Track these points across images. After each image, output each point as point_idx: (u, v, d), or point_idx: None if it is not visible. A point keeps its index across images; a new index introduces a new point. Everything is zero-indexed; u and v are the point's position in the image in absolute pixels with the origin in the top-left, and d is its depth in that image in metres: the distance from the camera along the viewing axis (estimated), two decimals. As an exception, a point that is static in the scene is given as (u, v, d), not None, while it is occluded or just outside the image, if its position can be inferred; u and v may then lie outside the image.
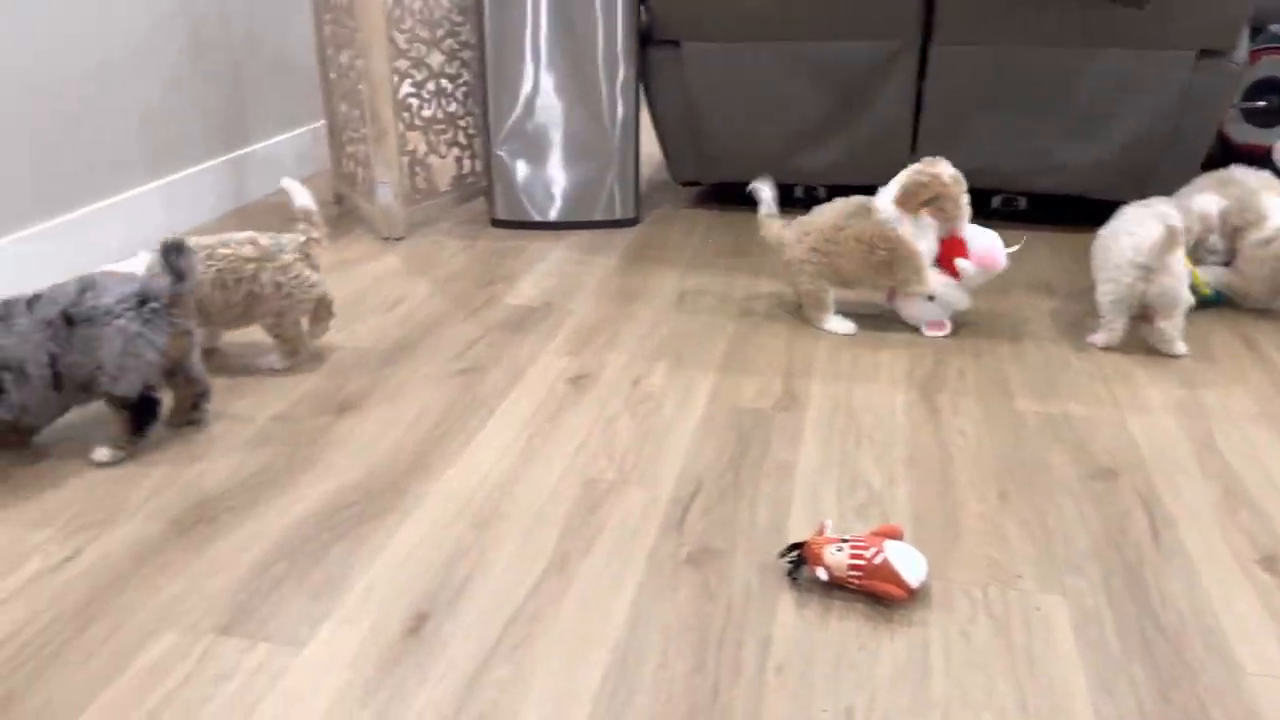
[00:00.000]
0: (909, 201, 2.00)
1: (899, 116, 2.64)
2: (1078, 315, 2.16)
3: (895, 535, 1.31)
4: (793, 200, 2.97)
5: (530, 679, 1.14)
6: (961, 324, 2.12)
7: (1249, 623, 1.23)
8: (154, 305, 1.54)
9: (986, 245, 2.03)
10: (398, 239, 2.66)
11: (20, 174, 2.18)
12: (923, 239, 2.02)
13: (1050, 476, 1.55)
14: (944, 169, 2.02)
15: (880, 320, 2.15)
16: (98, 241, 2.40)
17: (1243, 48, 2.47)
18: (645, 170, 3.38)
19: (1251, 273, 2.11)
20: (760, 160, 2.78)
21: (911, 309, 2.08)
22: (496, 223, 2.77)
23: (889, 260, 2.01)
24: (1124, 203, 2.69)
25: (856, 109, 2.65)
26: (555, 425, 1.71)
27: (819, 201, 2.99)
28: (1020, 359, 1.96)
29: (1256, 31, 2.92)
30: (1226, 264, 2.18)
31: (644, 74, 2.72)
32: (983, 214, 2.82)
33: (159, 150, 2.61)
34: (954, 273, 2.03)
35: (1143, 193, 2.62)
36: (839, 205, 2.10)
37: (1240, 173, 2.22)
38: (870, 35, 2.54)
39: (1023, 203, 2.80)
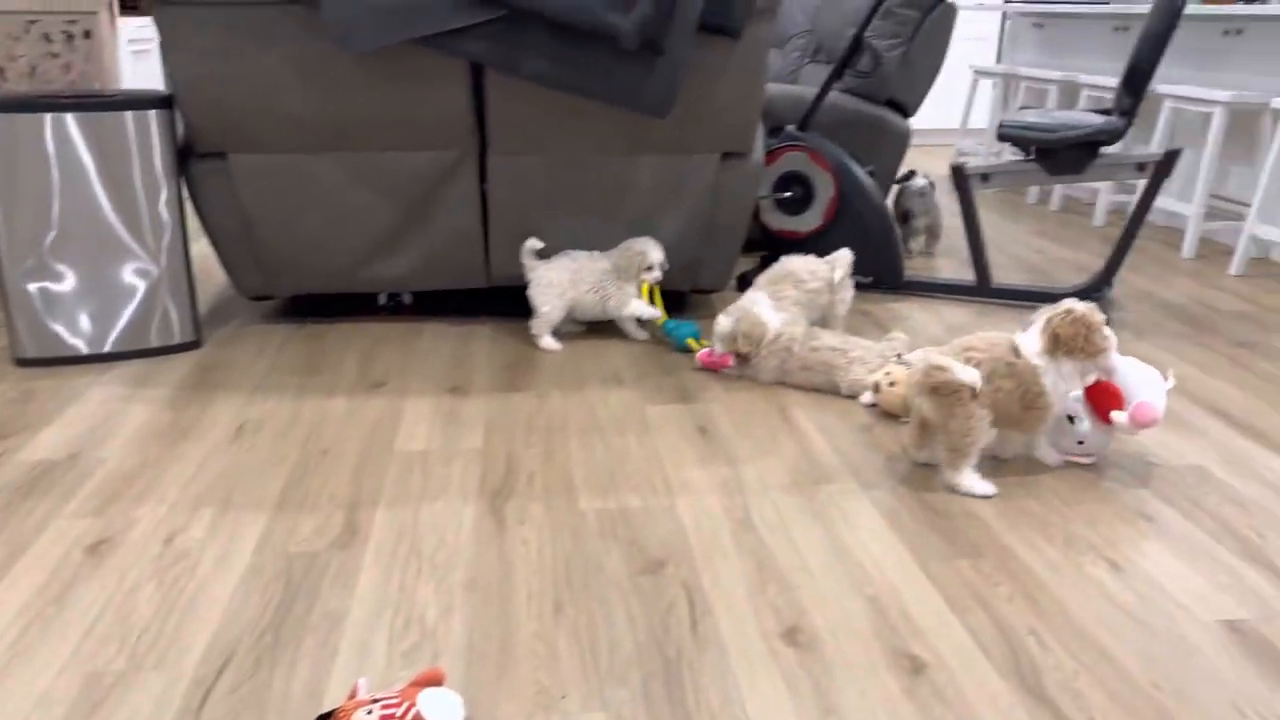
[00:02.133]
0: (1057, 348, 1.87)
1: (468, 222, 2.67)
2: (640, 402, 2.27)
3: (435, 681, 1.25)
4: (377, 308, 2.90)
5: None
6: (533, 426, 2.14)
7: (771, 702, 1.31)
8: None
9: (1148, 401, 1.87)
10: (-112, 391, 2.23)
11: None
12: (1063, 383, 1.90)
13: (604, 578, 1.58)
14: (1076, 305, 1.89)
15: (449, 427, 2.12)
16: None
17: (759, 149, 2.79)
18: (215, 287, 3.15)
19: (763, 364, 2.40)
20: (333, 270, 2.69)
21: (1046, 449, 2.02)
22: (22, 362, 2.42)
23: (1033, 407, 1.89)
24: (680, 292, 2.90)
25: (425, 217, 2.65)
26: (61, 608, 1.47)
27: (404, 308, 2.92)
28: (588, 454, 2.02)
29: (778, 130, 3.32)
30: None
31: (191, 188, 2.53)
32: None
33: None
34: (1107, 420, 1.93)
35: (694, 282, 2.86)
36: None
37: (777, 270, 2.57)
38: (427, 147, 2.56)
39: (598, 295, 2.94)
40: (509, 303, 2.94)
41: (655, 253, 2.60)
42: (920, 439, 1.96)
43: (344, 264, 2.68)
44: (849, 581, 1.59)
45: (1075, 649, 1.42)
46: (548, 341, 2.62)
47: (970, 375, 1.80)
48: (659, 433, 2.13)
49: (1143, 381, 1.92)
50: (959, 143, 5.35)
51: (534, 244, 2.60)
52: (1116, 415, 1.91)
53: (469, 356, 2.56)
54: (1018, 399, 1.87)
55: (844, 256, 2.61)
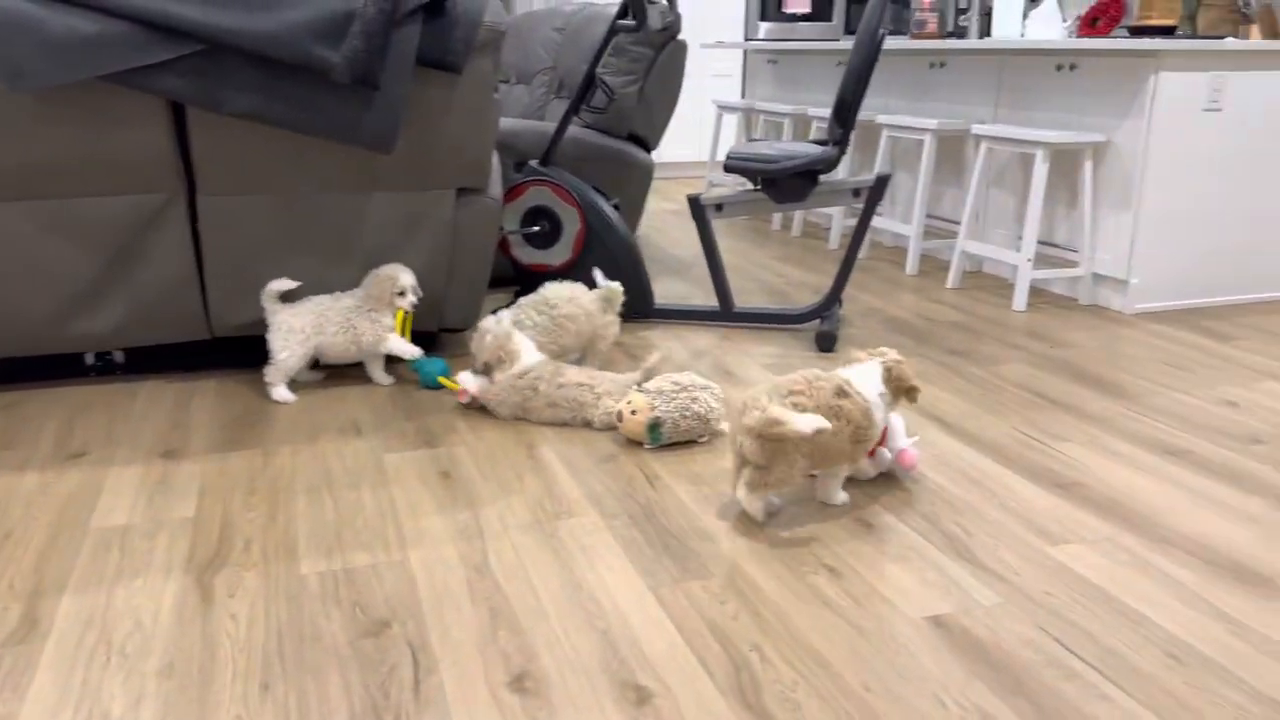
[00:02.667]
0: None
1: (181, 270, 2.47)
2: (378, 451, 2.17)
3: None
4: (85, 369, 2.63)
5: None
6: (254, 487, 2.00)
7: (492, 757, 1.25)
8: None
9: (909, 449, 2.08)
10: None
11: None
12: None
13: (321, 647, 1.48)
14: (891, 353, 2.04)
15: (156, 497, 1.94)
16: None
17: (496, 184, 2.76)
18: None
19: (504, 397, 2.35)
20: (26, 331, 2.41)
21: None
22: None
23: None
24: (429, 332, 2.82)
25: (130, 267, 2.43)
26: None
27: (118, 369, 2.69)
28: (315, 513, 1.89)
29: (521, 165, 3.31)
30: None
31: None
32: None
33: None
34: (873, 454, 2.06)
35: (441, 321, 2.78)
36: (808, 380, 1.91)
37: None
38: (126, 190, 2.35)
39: (338, 341, 2.80)
40: (239, 353, 2.75)
41: (406, 276, 2.51)
42: (756, 479, 1.85)
43: (39, 323, 2.41)
44: (583, 617, 1.56)
45: (794, 659, 1.45)
46: (281, 392, 2.46)
47: (806, 426, 1.76)
48: (397, 482, 2.03)
49: (898, 425, 2.08)
50: (710, 174, 5.58)
51: (280, 285, 2.44)
52: (884, 451, 2.04)
53: (188, 417, 2.36)
54: (848, 437, 1.87)
55: (615, 289, 2.64)
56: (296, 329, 2.44)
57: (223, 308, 2.53)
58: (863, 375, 1.96)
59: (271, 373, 2.46)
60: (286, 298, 2.48)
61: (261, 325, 2.49)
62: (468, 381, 2.40)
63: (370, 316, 2.49)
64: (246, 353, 2.75)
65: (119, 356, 2.63)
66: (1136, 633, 1.53)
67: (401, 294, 2.50)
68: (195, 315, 2.54)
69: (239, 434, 2.26)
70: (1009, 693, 1.38)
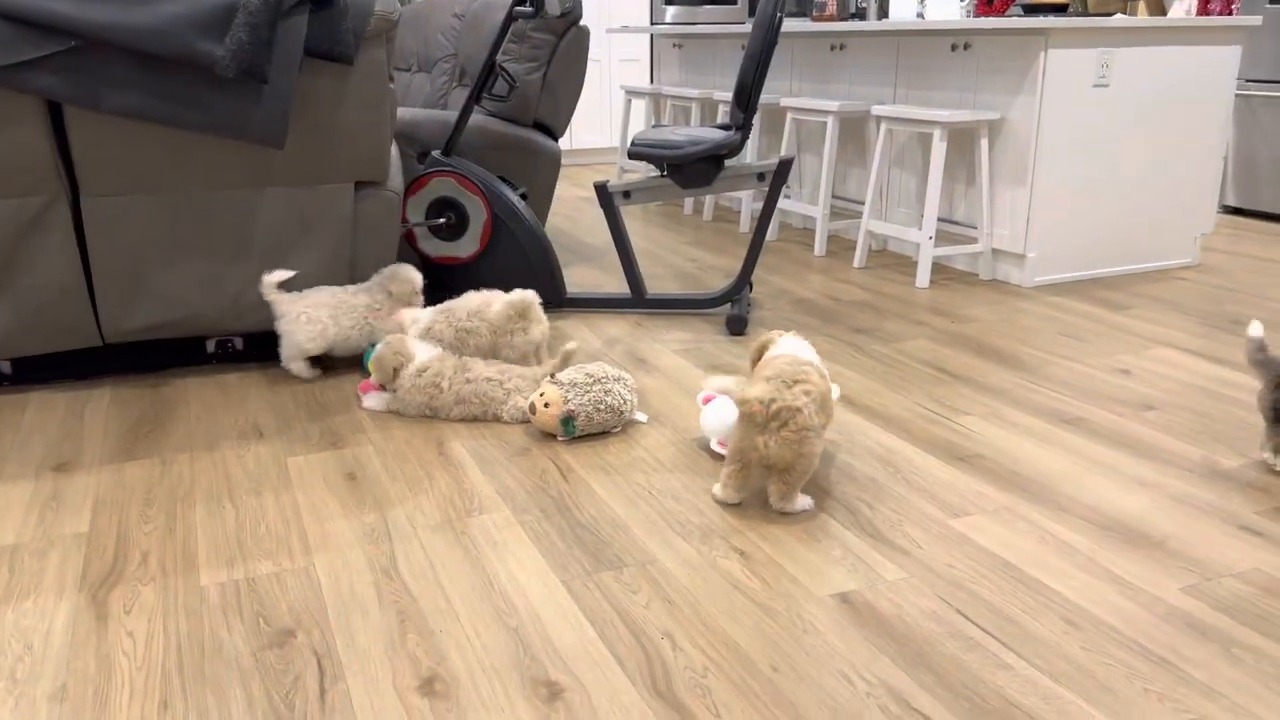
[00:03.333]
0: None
1: (67, 276, 2.37)
2: (281, 455, 2.12)
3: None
4: (-35, 382, 2.51)
5: None
6: (152, 498, 1.93)
7: (401, 763, 1.24)
8: None
9: None
10: None
11: None
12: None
13: (221, 661, 1.44)
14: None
15: (47, 513, 1.86)
16: None
17: (396, 176, 2.71)
18: None
19: (409, 398, 2.33)
20: (-104, 346, 2.29)
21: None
22: None
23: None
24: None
25: (13, 272, 2.32)
26: None
27: (4, 380, 2.60)
28: (215, 522, 1.84)
29: (424, 156, 3.26)
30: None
31: None
32: (201, 360, 2.68)
33: None
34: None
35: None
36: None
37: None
38: (7, 193, 2.24)
39: (239, 343, 2.72)
40: (133, 359, 2.65)
41: (419, 278, 2.63)
42: (742, 480, 1.87)
43: (-89, 336, 2.29)
44: (493, 615, 1.55)
45: (704, 644, 1.46)
46: (299, 367, 2.55)
47: (818, 409, 1.78)
48: (301, 487, 1.99)
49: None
50: (621, 160, 5.56)
51: (277, 276, 2.48)
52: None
53: (80, 428, 2.27)
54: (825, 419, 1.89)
55: (524, 299, 2.51)
56: (316, 320, 2.49)
57: (114, 313, 2.44)
58: (809, 353, 2.00)
59: (291, 356, 2.53)
60: (173, 299, 2.41)
61: (156, 329, 2.41)
62: (373, 402, 2.38)
63: (392, 308, 2.59)
64: (143, 358, 2.65)
65: (5, 367, 2.51)
66: (1035, 600, 1.58)
67: (418, 294, 2.62)
68: (85, 322, 2.44)
69: (135, 443, 2.19)
70: (913, 666, 1.41)
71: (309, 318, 2.48)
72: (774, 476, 1.84)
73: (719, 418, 2.08)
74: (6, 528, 1.82)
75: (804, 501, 1.87)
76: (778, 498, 1.85)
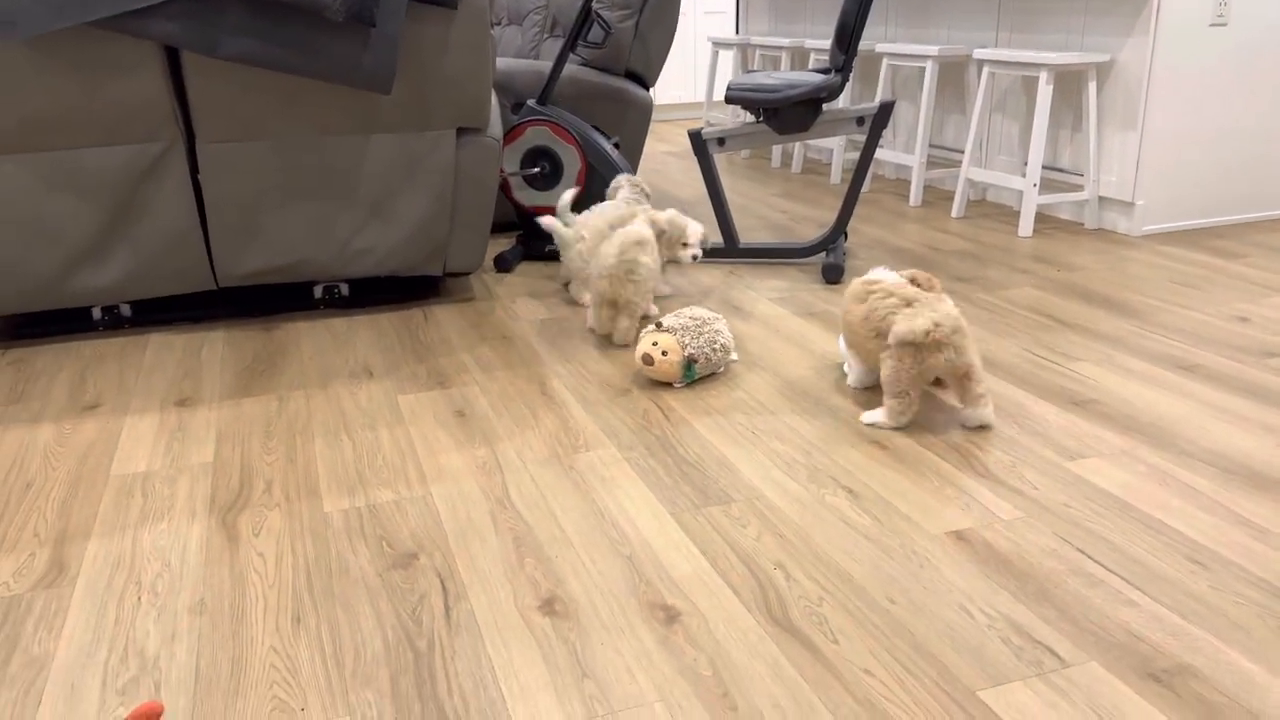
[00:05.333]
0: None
1: (183, 220, 2.45)
2: (391, 393, 2.17)
3: (150, 715, 1.12)
4: (92, 323, 2.62)
5: None
6: (271, 431, 2.00)
7: (526, 677, 1.27)
8: None
9: None
10: None
11: None
12: None
13: (349, 580, 1.49)
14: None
15: (174, 443, 1.94)
16: None
17: (496, 123, 2.73)
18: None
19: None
20: (30, 287, 2.40)
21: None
22: None
23: None
24: (434, 277, 2.80)
25: (133, 218, 2.41)
26: None
27: (125, 322, 2.70)
28: (334, 454, 1.90)
29: (519, 106, 3.27)
30: None
31: None
32: (307, 305, 2.76)
33: None
34: None
35: (446, 265, 2.75)
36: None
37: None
38: (125, 140, 2.33)
39: (345, 289, 2.78)
40: (246, 303, 2.74)
41: (696, 232, 2.68)
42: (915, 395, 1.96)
43: (43, 279, 2.40)
44: (606, 544, 1.57)
45: (818, 576, 1.46)
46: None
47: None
48: (413, 422, 2.04)
49: None
50: (707, 113, 5.51)
51: (568, 196, 2.84)
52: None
53: (199, 366, 2.36)
54: None
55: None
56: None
57: (227, 257, 2.52)
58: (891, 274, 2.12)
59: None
60: (278, 248, 2.47)
61: (267, 274, 2.48)
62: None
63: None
64: (253, 303, 2.74)
65: (126, 310, 2.62)
66: (1158, 540, 1.54)
67: (685, 245, 2.66)
68: (200, 266, 2.53)
69: (251, 381, 2.26)
70: (1034, 601, 1.39)
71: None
72: (961, 382, 1.94)
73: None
74: (138, 457, 1.91)
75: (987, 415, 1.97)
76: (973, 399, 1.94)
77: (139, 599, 1.45)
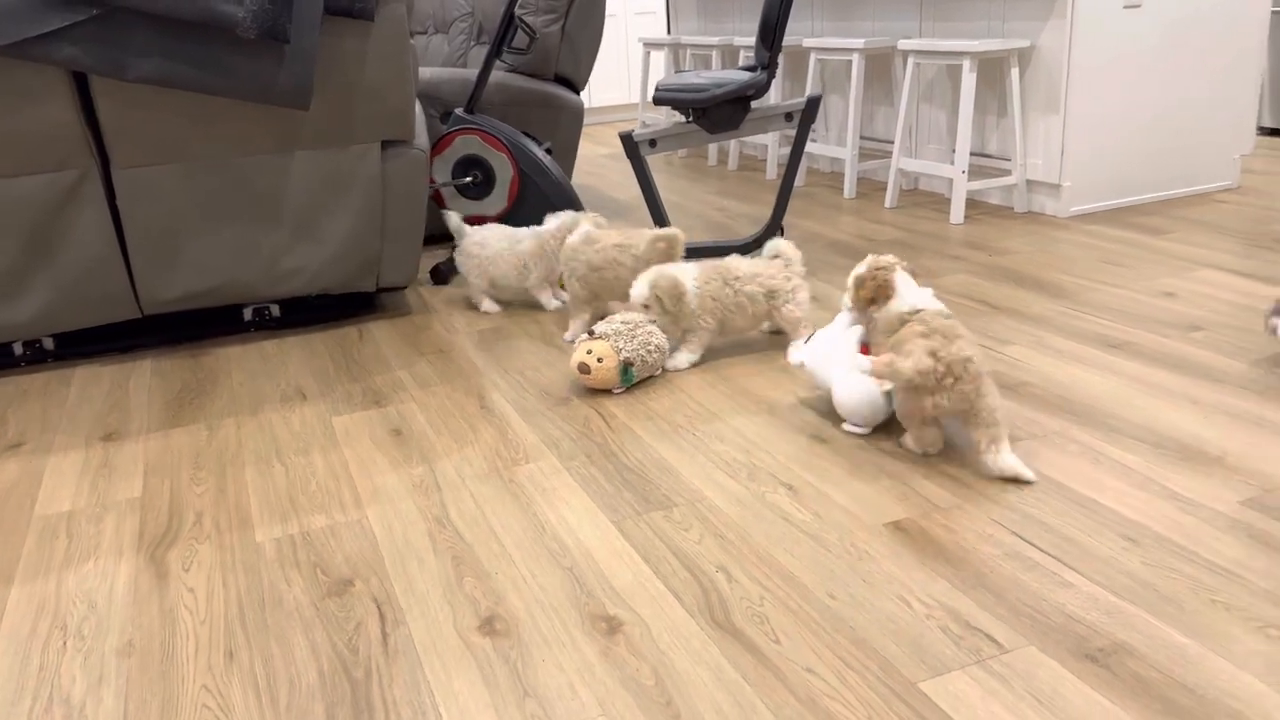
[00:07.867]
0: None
1: (103, 249, 2.38)
2: (325, 415, 2.13)
3: (72, 768, 1.08)
4: (14, 359, 2.54)
5: None
6: (201, 462, 1.95)
7: (467, 699, 1.25)
8: None
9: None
10: None
11: None
12: None
13: (283, 612, 1.45)
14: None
15: (100, 480, 1.88)
16: None
17: (422, 135, 2.69)
18: None
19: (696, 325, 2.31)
20: (-58, 326, 2.32)
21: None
22: None
23: None
24: (369, 294, 2.76)
25: (50, 249, 2.34)
26: None
27: (48, 356, 2.63)
28: (266, 481, 1.86)
29: (448, 115, 3.24)
30: None
31: None
32: (238, 328, 2.70)
33: None
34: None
35: (379, 280, 2.72)
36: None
37: None
38: (38, 169, 2.26)
39: (275, 310, 2.73)
40: (174, 329, 2.67)
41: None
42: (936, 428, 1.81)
43: (-44, 316, 2.32)
44: (547, 558, 1.55)
45: (759, 576, 1.46)
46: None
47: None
48: (348, 444, 2.00)
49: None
50: (642, 114, 5.50)
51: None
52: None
53: (125, 398, 2.30)
54: None
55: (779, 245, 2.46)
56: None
57: (151, 283, 2.45)
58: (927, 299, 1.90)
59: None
60: (204, 271, 2.41)
61: (193, 299, 2.42)
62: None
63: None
64: (182, 329, 2.67)
65: (48, 343, 2.54)
66: (1092, 519, 1.56)
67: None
68: (123, 294, 2.46)
69: (179, 411, 2.21)
70: (971, 587, 1.40)
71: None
72: (983, 430, 1.71)
73: (857, 393, 1.90)
74: (62, 496, 1.85)
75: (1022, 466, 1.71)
76: (989, 448, 1.70)
77: (64, 644, 1.41)
